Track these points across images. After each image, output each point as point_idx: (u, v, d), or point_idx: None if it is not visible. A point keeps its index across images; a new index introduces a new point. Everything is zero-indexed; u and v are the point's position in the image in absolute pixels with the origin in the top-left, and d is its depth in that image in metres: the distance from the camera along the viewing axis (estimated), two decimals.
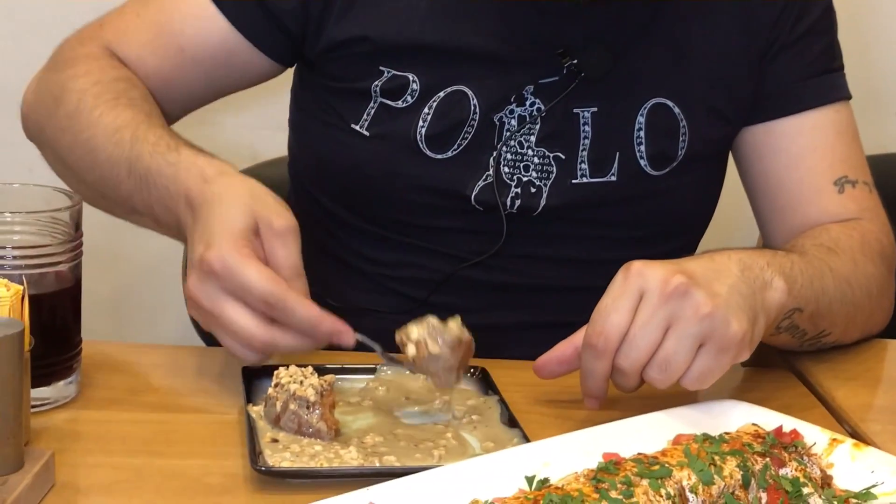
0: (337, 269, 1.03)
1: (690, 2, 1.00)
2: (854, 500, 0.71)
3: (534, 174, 0.99)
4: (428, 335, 0.75)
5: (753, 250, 0.91)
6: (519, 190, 0.98)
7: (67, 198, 0.77)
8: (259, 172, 1.08)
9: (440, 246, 1.00)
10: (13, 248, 0.73)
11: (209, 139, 1.48)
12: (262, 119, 1.49)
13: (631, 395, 0.81)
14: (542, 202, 0.99)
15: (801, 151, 1.01)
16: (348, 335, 0.75)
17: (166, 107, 0.97)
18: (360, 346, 0.78)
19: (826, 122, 1.02)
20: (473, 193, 0.97)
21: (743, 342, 0.77)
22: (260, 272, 0.72)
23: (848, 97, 1.03)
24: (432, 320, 0.75)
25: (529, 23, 0.97)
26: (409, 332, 0.75)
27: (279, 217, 0.76)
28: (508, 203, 0.98)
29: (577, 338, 0.79)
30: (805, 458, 0.74)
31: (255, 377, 0.79)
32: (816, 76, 1.02)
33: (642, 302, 0.75)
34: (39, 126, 0.96)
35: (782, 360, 0.98)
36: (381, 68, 0.96)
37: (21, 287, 0.71)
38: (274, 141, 1.22)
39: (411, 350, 0.75)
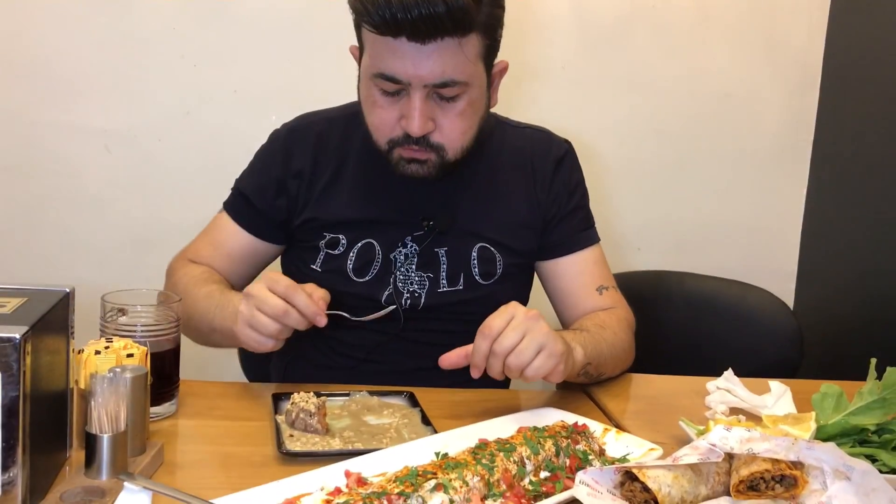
0: (315, 343, 1.39)
1: (498, 188, 1.42)
2: (616, 462, 1.00)
3: (416, 286, 1.37)
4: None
5: (566, 331, 1.30)
6: (408, 296, 1.37)
7: (173, 297, 1.13)
8: None
9: (370, 325, 1.35)
10: (142, 326, 1.08)
11: None
12: None
13: (494, 410, 1.14)
14: (422, 301, 1.37)
15: (576, 274, 1.44)
16: (321, 318, 1.14)
17: (232, 281, 1.42)
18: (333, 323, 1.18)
19: (589, 257, 1.45)
20: (383, 298, 1.37)
21: (562, 356, 1.11)
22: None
23: (598, 241, 1.47)
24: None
25: (404, 199, 1.36)
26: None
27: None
28: (403, 303, 1.37)
29: (468, 347, 1.12)
30: (590, 439, 1.04)
31: (279, 400, 1.14)
32: (581, 231, 1.45)
33: (513, 319, 1.09)
34: None
35: (578, 387, 1.32)
36: (324, 233, 1.39)
37: (145, 348, 1.03)
38: None
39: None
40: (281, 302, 1.12)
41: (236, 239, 1.43)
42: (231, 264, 1.43)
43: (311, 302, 1.14)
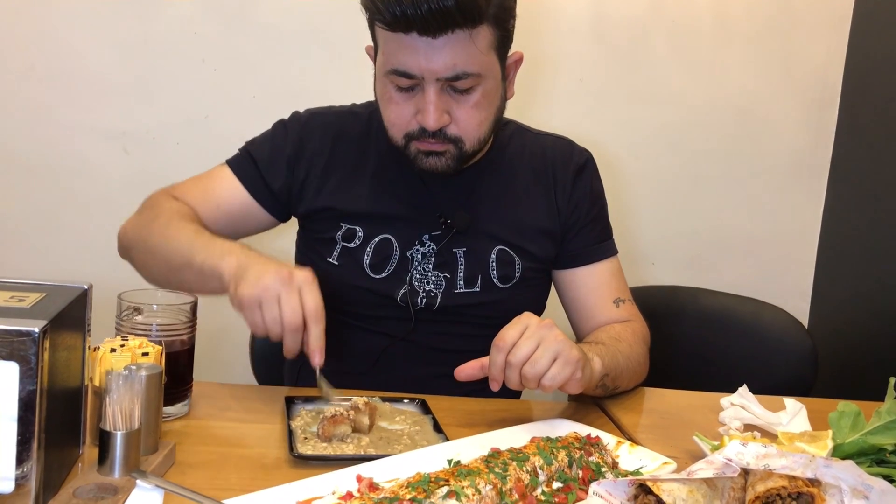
0: (327, 346, 1.18)
1: (518, 192, 1.40)
2: (630, 474, 0.99)
3: (432, 286, 1.37)
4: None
5: (582, 343, 1.29)
6: (424, 295, 1.37)
7: (188, 297, 1.13)
8: None
9: (381, 328, 1.37)
10: (157, 325, 1.08)
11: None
12: None
13: (507, 420, 1.15)
14: (438, 302, 1.36)
15: (594, 286, 1.43)
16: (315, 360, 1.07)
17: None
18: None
19: (606, 269, 1.44)
20: (398, 297, 1.35)
21: (578, 363, 1.09)
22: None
23: (616, 253, 1.46)
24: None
25: (422, 197, 1.37)
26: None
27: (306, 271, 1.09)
28: (419, 302, 1.36)
29: (484, 359, 1.10)
30: (603, 451, 1.04)
31: (291, 403, 1.14)
32: (600, 242, 1.45)
33: (527, 329, 1.08)
34: (137, 238, 1.31)
35: (591, 400, 1.33)
36: (341, 224, 1.38)
37: (160, 347, 1.04)
38: None
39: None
40: (300, 320, 1.05)
41: (233, 194, 1.40)
42: (219, 217, 1.38)
43: (322, 336, 1.08)
